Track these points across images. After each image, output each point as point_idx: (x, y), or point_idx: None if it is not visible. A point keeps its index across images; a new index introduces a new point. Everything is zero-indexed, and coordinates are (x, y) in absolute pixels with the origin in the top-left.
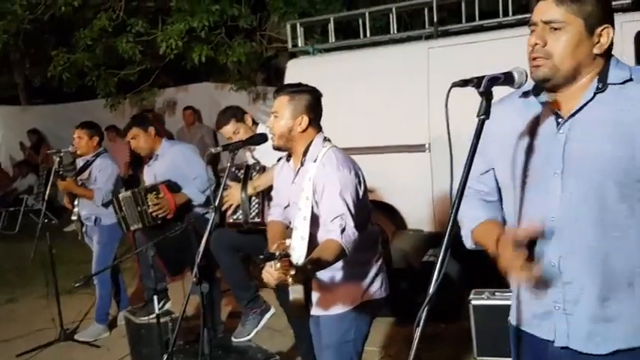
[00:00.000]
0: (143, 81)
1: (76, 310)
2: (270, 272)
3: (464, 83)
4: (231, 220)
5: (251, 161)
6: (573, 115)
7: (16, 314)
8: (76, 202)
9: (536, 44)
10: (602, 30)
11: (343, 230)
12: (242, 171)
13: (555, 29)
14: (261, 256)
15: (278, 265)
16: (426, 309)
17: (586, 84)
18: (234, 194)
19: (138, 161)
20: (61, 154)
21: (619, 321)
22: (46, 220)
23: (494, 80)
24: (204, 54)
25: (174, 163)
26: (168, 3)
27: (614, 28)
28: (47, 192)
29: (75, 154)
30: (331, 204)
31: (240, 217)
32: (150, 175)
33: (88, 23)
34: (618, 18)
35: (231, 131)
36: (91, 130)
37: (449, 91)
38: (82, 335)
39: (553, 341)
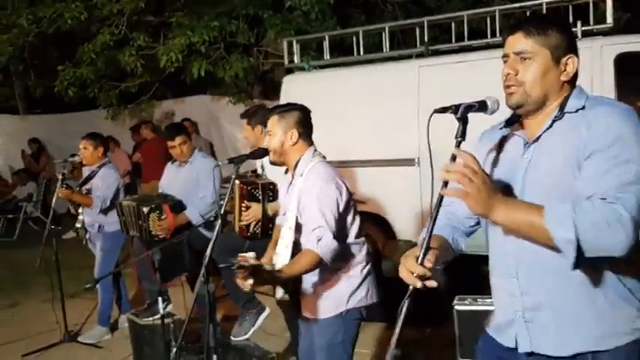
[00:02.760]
0: (142, 92)
1: (78, 314)
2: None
3: (443, 110)
4: (248, 234)
5: (259, 170)
6: (536, 140)
7: (19, 318)
8: (80, 210)
9: (508, 74)
10: (568, 59)
11: (319, 240)
12: (259, 190)
13: (525, 59)
14: (222, 265)
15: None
16: (407, 300)
17: (551, 111)
18: (257, 212)
19: (137, 171)
20: (67, 163)
21: (577, 328)
22: (52, 227)
23: (470, 108)
24: (204, 68)
25: (198, 175)
26: (169, 18)
27: (578, 58)
28: (54, 200)
29: (80, 163)
30: (310, 215)
31: (257, 230)
32: (174, 174)
33: (91, 37)
34: (599, 41)
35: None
36: (95, 141)
37: (430, 116)
38: (85, 337)
39: (516, 348)
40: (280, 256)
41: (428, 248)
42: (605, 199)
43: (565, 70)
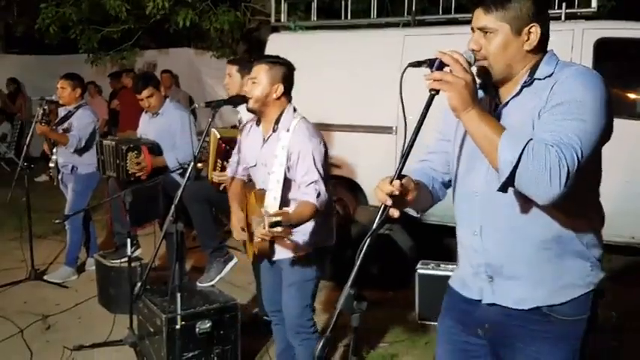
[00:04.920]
0: (125, 40)
1: (45, 255)
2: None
3: (418, 64)
4: (220, 189)
5: (238, 124)
6: (505, 105)
7: None
8: (54, 150)
9: (472, 50)
10: (530, 29)
11: (319, 195)
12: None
13: (487, 33)
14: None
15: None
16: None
17: (521, 77)
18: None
19: (114, 120)
20: (44, 101)
21: (535, 285)
22: (25, 164)
23: (444, 63)
24: (190, 18)
25: (171, 127)
26: None
27: (543, 25)
28: (28, 138)
29: (57, 103)
30: (306, 171)
31: None
32: (146, 126)
33: None
34: (581, 25)
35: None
36: (74, 81)
37: (404, 70)
38: (51, 277)
39: (480, 300)
40: (269, 208)
41: (402, 168)
42: (553, 147)
43: (528, 39)
